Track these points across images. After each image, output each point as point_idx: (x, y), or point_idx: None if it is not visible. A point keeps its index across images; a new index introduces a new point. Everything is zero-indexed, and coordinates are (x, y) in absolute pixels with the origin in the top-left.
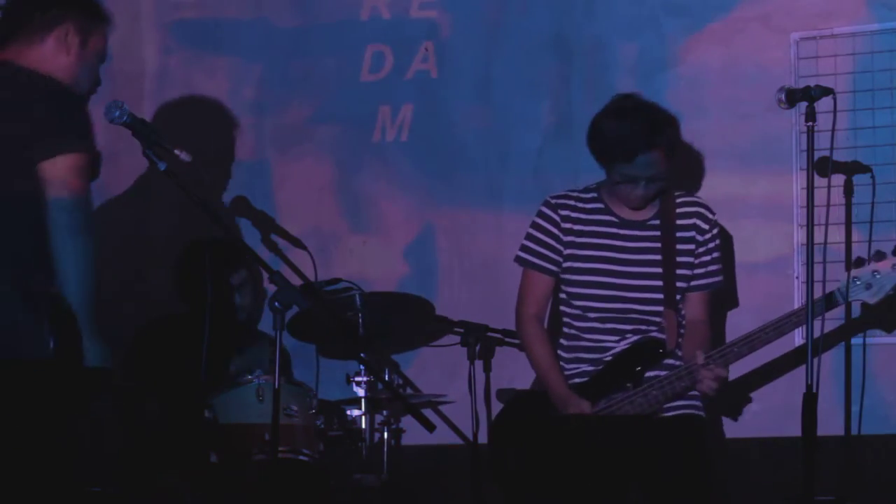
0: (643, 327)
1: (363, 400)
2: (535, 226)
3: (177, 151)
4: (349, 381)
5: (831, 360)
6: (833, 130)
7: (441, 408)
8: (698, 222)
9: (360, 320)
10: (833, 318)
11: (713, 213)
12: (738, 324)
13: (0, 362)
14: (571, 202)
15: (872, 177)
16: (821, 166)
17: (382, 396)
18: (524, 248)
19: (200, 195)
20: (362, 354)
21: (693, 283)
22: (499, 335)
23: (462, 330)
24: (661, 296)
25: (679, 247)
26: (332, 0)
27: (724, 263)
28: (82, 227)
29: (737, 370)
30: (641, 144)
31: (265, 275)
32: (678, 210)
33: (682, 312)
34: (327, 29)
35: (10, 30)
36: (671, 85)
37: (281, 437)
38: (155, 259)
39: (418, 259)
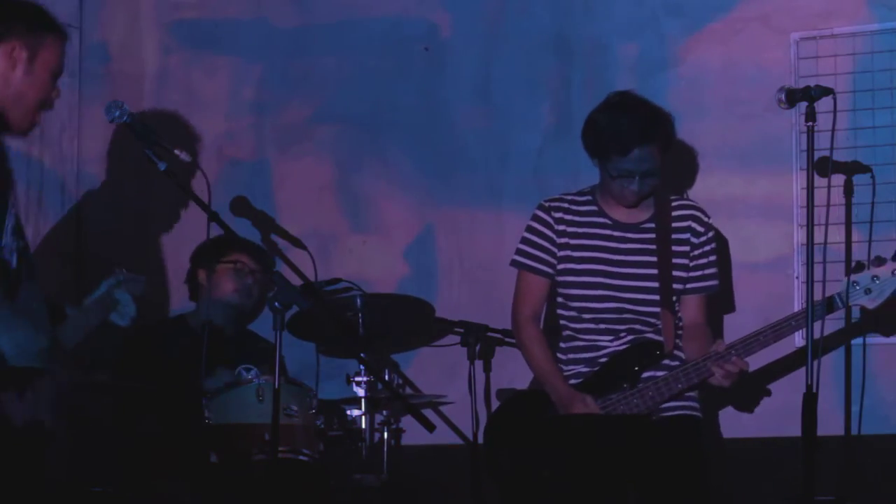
0: (637, 327)
1: (363, 400)
2: (529, 229)
3: (177, 151)
4: (349, 381)
5: (831, 361)
6: (833, 130)
7: (441, 408)
8: (693, 225)
9: (360, 320)
10: (833, 319)
11: (708, 217)
12: (738, 324)
13: None
14: (565, 205)
15: (872, 177)
16: (821, 166)
17: (382, 396)
18: (519, 252)
19: (199, 195)
20: (362, 354)
21: (689, 285)
22: (499, 335)
23: (462, 330)
24: (656, 297)
25: (674, 248)
26: (332, 0)
27: (720, 268)
28: None
29: None
30: (637, 138)
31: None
32: (673, 213)
33: (679, 315)
34: (327, 29)
35: None
36: (671, 85)
37: (281, 437)
38: (155, 259)
39: (418, 259)
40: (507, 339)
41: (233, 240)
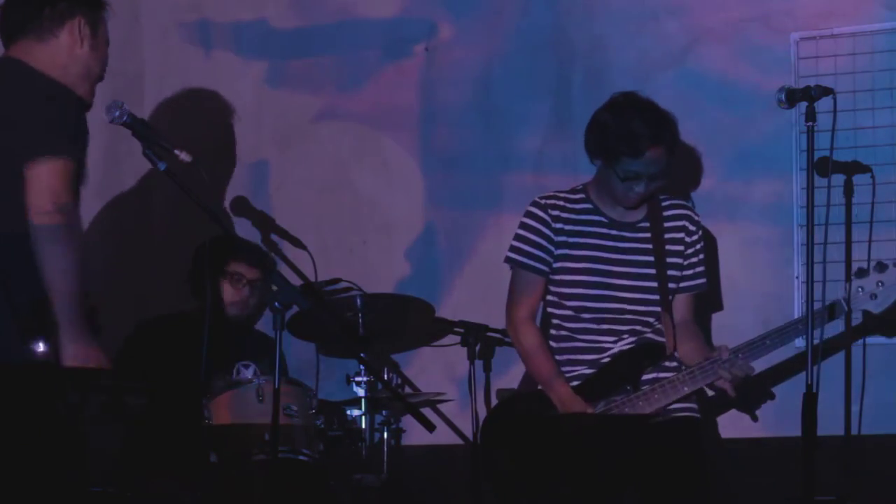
0: (638, 328)
1: (363, 400)
2: (524, 226)
3: (177, 151)
4: (349, 381)
5: (831, 361)
6: (833, 130)
7: (441, 408)
8: (687, 224)
9: (360, 320)
10: (834, 323)
11: (698, 216)
12: (738, 324)
13: None
14: (560, 202)
15: (872, 177)
16: (821, 166)
17: (382, 396)
18: (514, 249)
19: (200, 195)
20: (362, 354)
21: (682, 284)
22: (499, 335)
23: (462, 330)
24: (656, 297)
25: (669, 248)
26: (332, 0)
27: (709, 266)
28: (64, 235)
29: None
30: (649, 139)
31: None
32: (665, 213)
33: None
34: (327, 29)
35: (19, 26)
36: (671, 85)
37: (281, 437)
38: (155, 259)
39: (418, 259)
40: (506, 339)
41: (232, 247)
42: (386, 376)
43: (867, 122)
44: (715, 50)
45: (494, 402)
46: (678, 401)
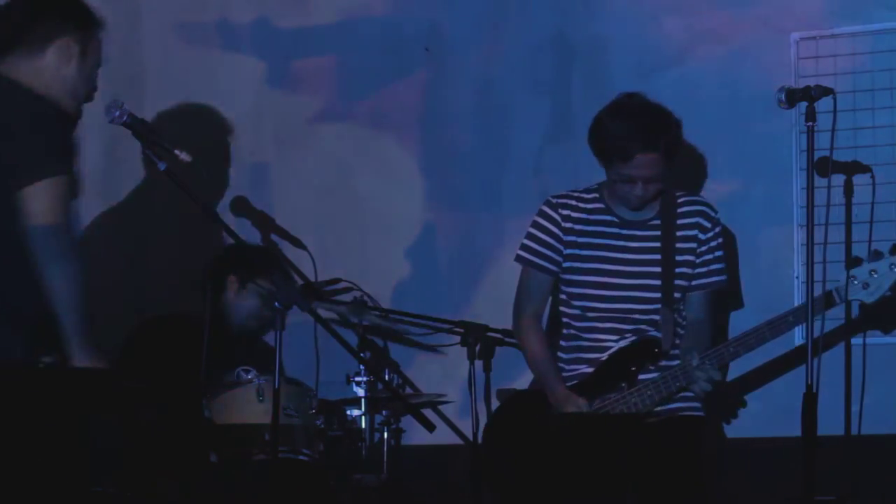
0: (643, 327)
1: (363, 400)
2: (535, 225)
3: (177, 151)
4: (349, 381)
5: (831, 360)
6: (833, 130)
7: (441, 408)
8: (701, 221)
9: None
10: (833, 319)
11: (716, 212)
12: (738, 324)
13: None
14: (573, 202)
15: (872, 177)
16: (821, 166)
17: (382, 396)
18: (524, 247)
19: (200, 195)
20: (362, 354)
21: (695, 282)
22: (499, 335)
23: (462, 330)
24: (658, 295)
25: (680, 245)
26: (332, 0)
27: (728, 264)
28: (63, 253)
29: (737, 369)
30: (639, 146)
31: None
32: (680, 210)
33: (683, 313)
34: (327, 29)
35: (6, 42)
36: (671, 85)
37: (281, 437)
38: (155, 259)
39: (418, 259)
40: (507, 339)
41: (270, 262)
42: (386, 376)
43: (867, 122)
44: (715, 50)
45: (494, 401)
46: (681, 399)
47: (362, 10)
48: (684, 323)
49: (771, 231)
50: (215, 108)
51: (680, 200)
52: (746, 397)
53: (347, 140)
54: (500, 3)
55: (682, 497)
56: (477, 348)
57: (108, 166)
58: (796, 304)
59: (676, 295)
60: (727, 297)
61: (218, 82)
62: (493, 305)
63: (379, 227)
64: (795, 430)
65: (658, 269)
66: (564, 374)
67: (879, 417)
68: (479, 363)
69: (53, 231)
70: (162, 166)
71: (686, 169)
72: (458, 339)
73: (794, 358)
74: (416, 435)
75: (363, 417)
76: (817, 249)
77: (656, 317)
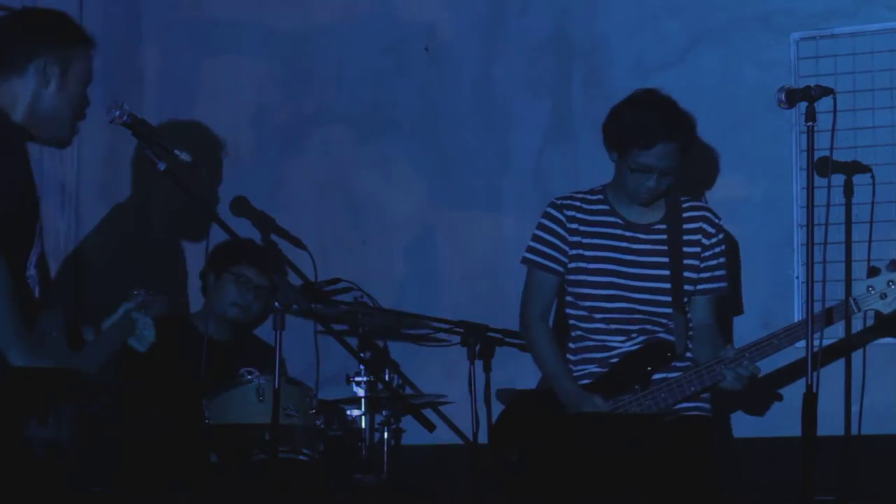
0: (649, 327)
1: (363, 400)
2: (541, 226)
3: (177, 151)
4: (349, 381)
5: (831, 360)
6: (833, 130)
7: (441, 408)
8: (705, 226)
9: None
10: (838, 324)
11: (719, 219)
12: (738, 324)
13: None
14: (577, 203)
15: (872, 177)
16: (821, 166)
17: (382, 396)
18: (530, 249)
19: (200, 195)
20: (362, 354)
21: (699, 287)
22: (499, 335)
23: (462, 330)
24: (668, 298)
25: (685, 249)
26: (332, 0)
27: (729, 270)
28: None
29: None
30: (662, 133)
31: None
32: (684, 214)
33: (689, 316)
34: (327, 29)
35: None
36: (671, 85)
37: (281, 437)
38: (155, 260)
39: (418, 259)
40: (507, 339)
41: (246, 249)
42: (386, 376)
43: (867, 122)
44: (715, 50)
45: (494, 401)
46: (689, 399)
47: (362, 10)
48: (691, 325)
49: (771, 231)
50: (215, 108)
51: (685, 206)
52: (756, 401)
53: (347, 140)
54: (500, 3)
55: (691, 497)
56: (477, 348)
57: (108, 166)
58: (796, 303)
59: (685, 298)
60: (730, 301)
61: (218, 82)
62: (493, 305)
63: (379, 227)
64: (795, 430)
65: (666, 273)
66: (573, 375)
67: (879, 417)
68: (479, 363)
69: None
70: (162, 166)
71: (686, 169)
72: (458, 339)
73: (795, 369)
74: (416, 435)
75: (363, 417)
76: (817, 249)
77: (663, 318)
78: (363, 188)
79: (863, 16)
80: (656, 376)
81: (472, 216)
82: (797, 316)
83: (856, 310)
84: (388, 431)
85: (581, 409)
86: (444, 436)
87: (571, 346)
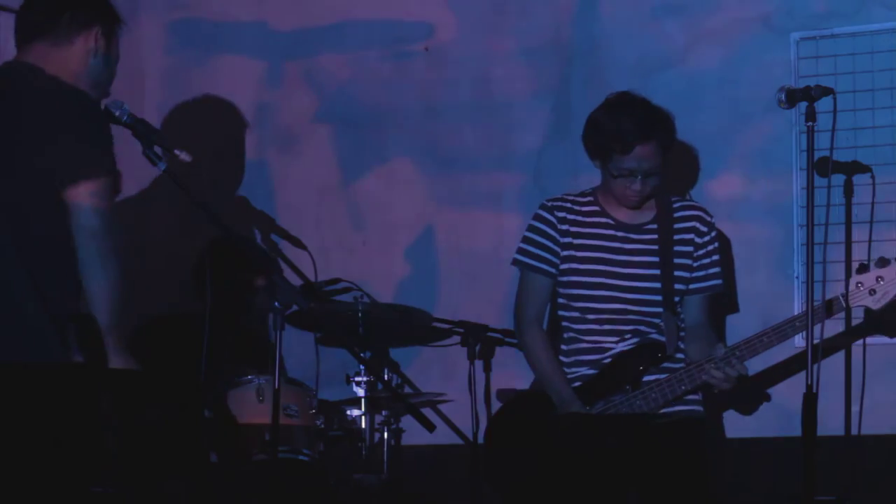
0: (642, 328)
1: (363, 400)
2: (531, 228)
3: (177, 151)
4: (349, 381)
5: (831, 361)
6: (833, 130)
7: (441, 408)
8: (697, 225)
9: (360, 329)
10: (834, 320)
11: (711, 217)
12: (738, 324)
13: (32, 365)
14: (568, 204)
15: (872, 177)
16: (821, 166)
17: (382, 396)
18: (521, 251)
19: (200, 195)
20: (362, 354)
21: (692, 286)
22: (499, 335)
23: (462, 330)
24: (659, 297)
25: (677, 249)
26: (332, 0)
27: (723, 268)
28: (107, 253)
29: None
30: (638, 135)
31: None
32: (676, 214)
33: (682, 316)
34: (327, 29)
35: (36, 29)
36: (671, 85)
37: (281, 437)
38: (155, 260)
39: (418, 259)
40: (507, 339)
41: (239, 252)
42: (386, 376)
43: (867, 122)
44: (715, 50)
45: (494, 402)
46: (681, 400)
47: (362, 10)
48: (683, 326)
49: (771, 231)
50: (215, 108)
51: (676, 206)
52: (746, 400)
53: (347, 140)
54: (500, 3)
55: (684, 498)
56: (477, 348)
57: None
58: (796, 303)
59: (676, 298)
60: (724, 299)
61: (218, 82)
62: (493, 305)
63: (379, 227)
64: (795, 430)
65: (657, 272)
66: (567, 377)
67: (879, 417)
68: (479, 363)
69: (100, 231)
70: (162, 166)
71: (686, 169)
72: (458, 339)
73: (794, 362)
74: (416, 435)
75: (363, 417)
76: (817, 249)
77: (656, 319)
78: (363, 188)
79: (863, 16)
80: (648, 377)
81: (472, 216)
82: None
83: (843, 306)
84: (388, 431)
85: (569, 410)
86: (444, 436)
87: (564, 347)
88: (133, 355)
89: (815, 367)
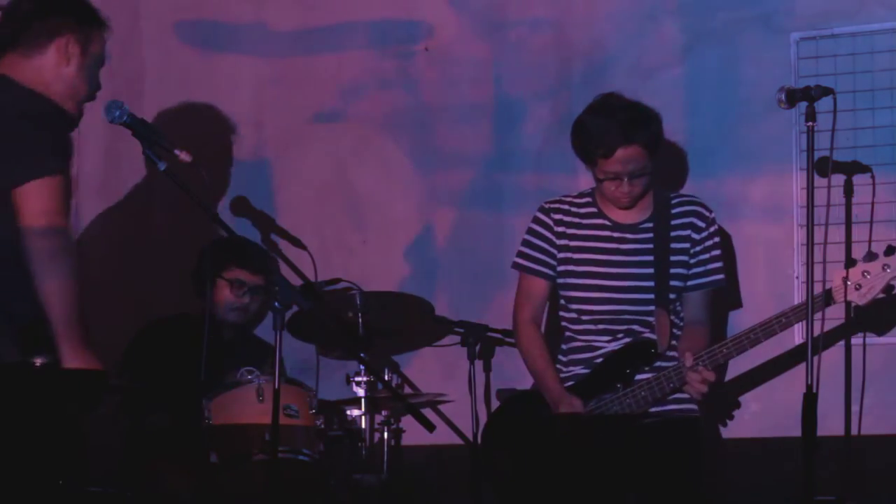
0: (636, 328)
1: (363, 400)
2: (530, 231)
3: (177, 151)
4: (349, 381)
5: (831, 361)
6: (833, 130)
7: (441, 408)
8: (695, 221)
9: (360, 319)
10: (831, 319)
11: (710, 212)
12: (738, 324)
13: None
14: (565, 206)
15: (872, 177)
16: (821, 166)
17: (382, 396)
18: (520, 254)
19: (200, 195)
20: (362, 354)
21: (690, 282)
22: (499, 335)
23: (462, 330)
24: (652, 296)
25: (674, 246)
26: (332, 0)
27: (725, 263)
28: (57, 253)
29: (736, 369)
30: (620, 139)
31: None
32: (673, 210)
33: (681, 314)
34: (327, 29)
35: (7, 40)
36: (671, 85)
37: (281, 437)
38: (155, 260)
39: (418, 259)
40: (507, 339)
41: (235, 252)
42: (386, 376)
43: (867, 122)
44: (715, 50)
45: (494, 401)
46: (676, 400)
47: (362, 10)
48: (681, 324)
49: (771, 231)
50: (215, 108)
51: (674, 202)
52: (746, 397)
53: (347, 140)
54: (501, 4)
55: (681, 497)
56: (477, 348)
57: (108, 166)
58: (796, 303)
59: (671, 296)
60: (726, 296)
61: (218, 82)
62: (493, 305)
63: (379, 227)
64: (795, 430)
65: (651, 271)
66: (562, 376)
67: (879, 417)
68: (479, 363)
69: (49, 231)
70: (162, 166)
71: (685, 169)
72: (458, 339)
73: (793, 358)
74: (416, 435)
75: (363, 417)
76: (817, 249)
77: (650, 318)
78: (363, 188)
79: (863, 16)
80: (640, 376)
81: (472, 216)
82: None
83: (831, 301)
84: (388, 431)
85: (559, 410)
86: (444, 436)
87: (563, 347)
88: (94, 352)
89: (815, 366)
